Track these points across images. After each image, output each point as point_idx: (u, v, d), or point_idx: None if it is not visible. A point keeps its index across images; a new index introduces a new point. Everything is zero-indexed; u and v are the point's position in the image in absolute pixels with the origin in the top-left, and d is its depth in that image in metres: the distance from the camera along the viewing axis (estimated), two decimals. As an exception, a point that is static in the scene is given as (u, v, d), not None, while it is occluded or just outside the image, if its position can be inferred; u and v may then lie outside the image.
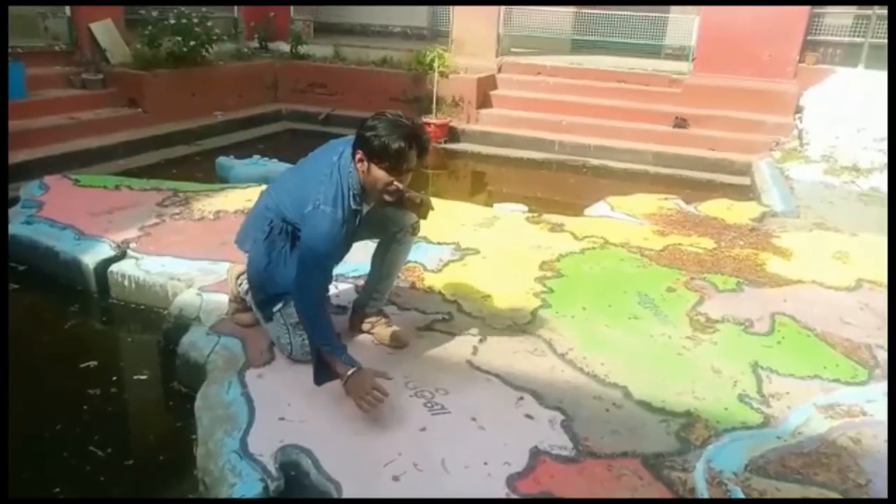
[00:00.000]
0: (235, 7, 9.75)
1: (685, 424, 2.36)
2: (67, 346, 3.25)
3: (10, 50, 6.28)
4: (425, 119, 7.85)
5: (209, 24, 7.85)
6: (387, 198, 2.30)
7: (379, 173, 2.25)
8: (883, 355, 2.91)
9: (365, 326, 2.82)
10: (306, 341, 2.52)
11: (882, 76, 6.94)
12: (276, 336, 2.63)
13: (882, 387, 2.65)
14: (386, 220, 2.64)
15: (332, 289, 3.17)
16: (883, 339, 3.03)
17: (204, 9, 8.11)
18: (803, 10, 7.41)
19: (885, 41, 7.34)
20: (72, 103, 6.59)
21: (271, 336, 2.67)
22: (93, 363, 3.02)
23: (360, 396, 2.19)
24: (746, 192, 6.21)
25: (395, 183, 2.26)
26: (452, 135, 7.94)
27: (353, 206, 2.31)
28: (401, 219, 2.64)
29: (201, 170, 6.17)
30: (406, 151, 2.21)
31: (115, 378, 2.98)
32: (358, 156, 2.28)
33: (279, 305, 2.55)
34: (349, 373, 2.23)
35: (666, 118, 7.68)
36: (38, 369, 3.03)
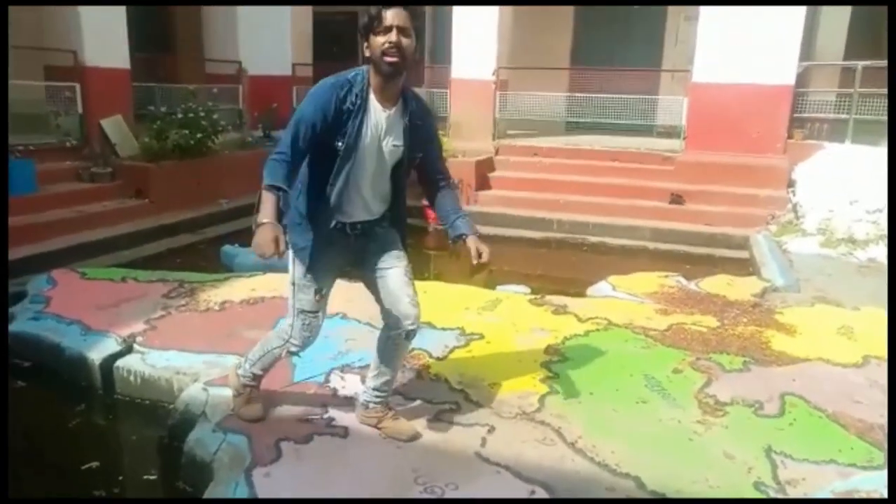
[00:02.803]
0: (240, 99, 10.13)
1: (701, 516, 2.31)
2: (71, 445, 3.21)
3: (22, 147, 6.50)
4: (425, 201, 8.00)
5: (215, 116, 8.13)
6: (388, 59, 2.37)
7: (374, 41, 2.38)
8: (897, 435, 2.87)
9: (372, 421, 2.80)
10: (305, 326, 2.61)
11: (869, 150, 7.17)
12: (286, 317, 2.69)
13: (899, 470, 2.61)
14: (389, 309, 2.62)
15: (339, 379, 3.18)
16: (895, 419, 3.00)
17: (210, 103, 8.42)
18: (787, 89, 7.70)
19: (869, 117, 7.58)
20: (80, 196, 6.76)
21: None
22: (95, 464, 2.97)
23: (258, 244, 2.25)
24: (745, 266, 6.27)
25: (388, 41, 2.36)
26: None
27: (349, 76, 2.43)
28: (399, 318, 2.60)
29: (206, 258, 6.25)
30: (381, 11, 2.37)
31: (119, 478, 2.93)
32: (364, 46, 2.44)
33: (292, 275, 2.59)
34: (261, 222, 2.29)
35: (662, 194, 7.84)
36: (41, 470, 2.98)
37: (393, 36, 2.35)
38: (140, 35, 8.71)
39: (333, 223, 2.53)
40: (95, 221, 6.50)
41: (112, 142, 7.49)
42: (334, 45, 12.94)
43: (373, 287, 2.68)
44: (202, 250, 6.70)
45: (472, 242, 2.61)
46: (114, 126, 7.54)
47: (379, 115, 2.46)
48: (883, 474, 2.57)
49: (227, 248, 5.89)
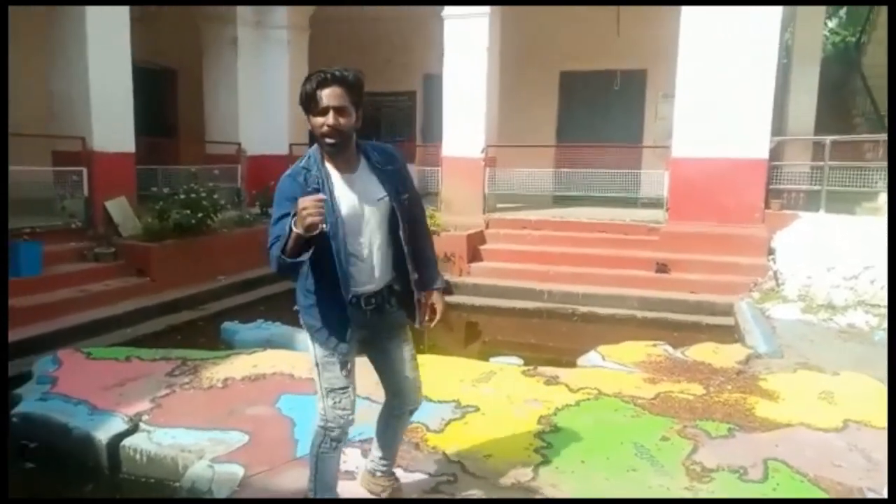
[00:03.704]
0: (239, 178, 10.49)
1: (690, 580, 2.42)
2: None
3: (29, 230, 6.74)
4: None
5: (215, 196, 8.43)
6: (328, 140, 2.40)
7: (313, 121, 2.42)
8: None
9: (377, 489, 2.93)
10: (337, 404, 2.58)
11: (842, 219, 7.52)
12: (317, 401, 2.66)
13: (876, 531, 2.74)
14: (395, 389, 2.79)
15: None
16: (873, 482, 3.14)
17: (211, 183, 8.74)
18: (762, 162, 8.10)
19: (839, 188, 7.97)
20: (84, 276, 6.93)
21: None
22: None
23: (302, 217, 2.22)
24: (730, 333, 6.45)
25: (325, 124, 2.38)
26: (446, 288, 8.27)
27: (302, 164, 2.48)
28: (405, 399, 2.79)
29: (205, 335, 6.39)
30: (313, 90, 2.38)
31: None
32: (308, 120, 2.46)
33: (314, 356, 2.60)
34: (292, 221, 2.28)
35: (647, 264, 8.10)
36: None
37: (330, 119, 2.37)
38: (145, 120, 9.10)
39: (349, 297, 2.49)
40: (99, 300, 6.65)
41: (115, 222, 7.74)
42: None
43: (380, 365, 2.77)
44: (202, 327, 6.83)
45: (435, 297, 2.74)
46: (118, 207, 7.81)
47: (346, 181, 2.49)
48: (860, 536, 2.70)
49: (227, 324, 6.05)
